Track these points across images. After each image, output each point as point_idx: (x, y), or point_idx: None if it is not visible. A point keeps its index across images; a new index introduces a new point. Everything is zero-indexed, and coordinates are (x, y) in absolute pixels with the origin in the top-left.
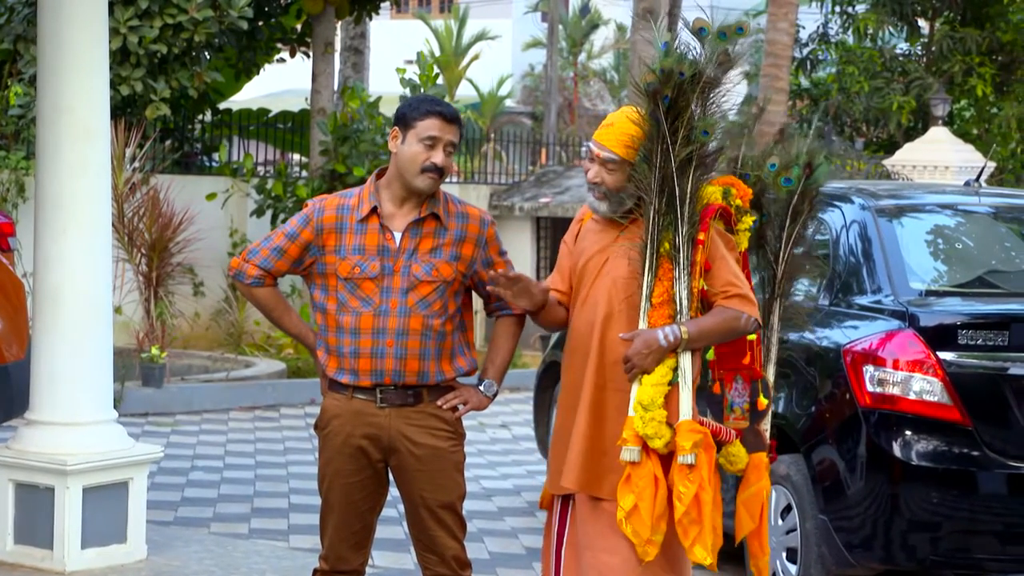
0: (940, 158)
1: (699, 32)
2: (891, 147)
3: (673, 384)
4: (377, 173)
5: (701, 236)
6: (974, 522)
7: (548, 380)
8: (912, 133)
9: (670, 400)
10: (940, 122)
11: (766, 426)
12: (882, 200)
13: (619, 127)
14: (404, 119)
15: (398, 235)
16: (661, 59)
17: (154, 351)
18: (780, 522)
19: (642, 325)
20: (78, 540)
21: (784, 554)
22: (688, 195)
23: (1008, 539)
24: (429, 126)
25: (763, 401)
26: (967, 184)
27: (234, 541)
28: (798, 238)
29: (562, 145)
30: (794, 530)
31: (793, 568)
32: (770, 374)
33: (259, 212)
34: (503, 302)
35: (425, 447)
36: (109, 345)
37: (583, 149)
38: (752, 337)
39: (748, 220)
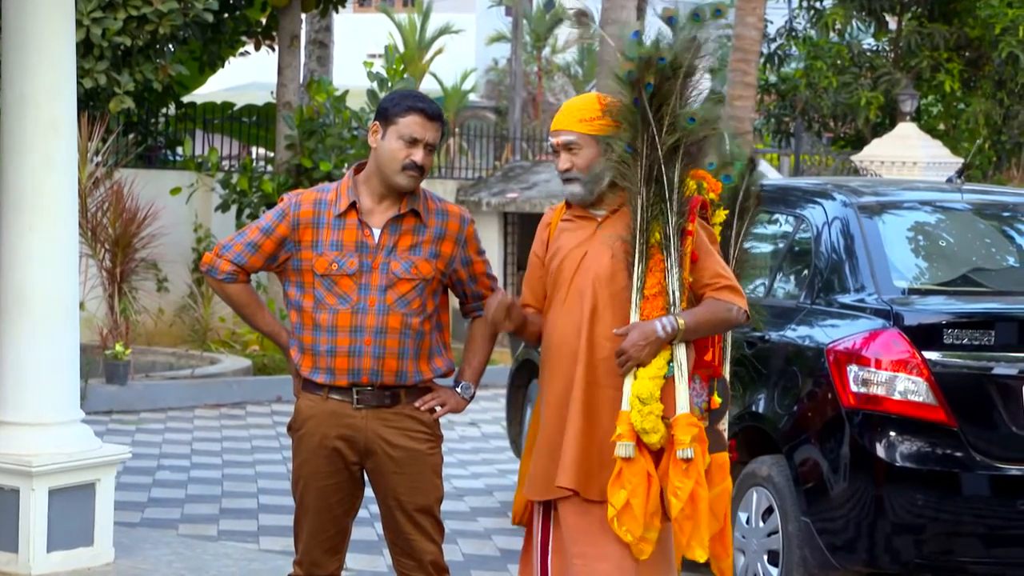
0: (908, 154)
1: (668, 20)
2: (859, 143)
3: (668, 377)
4: (355, 168)
5: (690, 227)
6: (959, 524)
7: (521, 378)
8: (880, 129)
9: (665, 394)
10: (908, 118)
11: (724, 425)
12: (864, 197)
13: (567, 108)
14: (385, 114)
15: (377, 231)
16: (635, 47)
17: (118, 348)
18: (761, 524)
19: (634, 318)
20: (44, 543)
21: (766, 557)
22: (676, 185)
23: (993, 541)
24: (410, 123)
25: (716, 400)
26: (949, 181)
27: (203, 543)
28: (746, 235)
29: (527, 140)
30: (776, 532)
31: (775, 571)
32: (726, 373)
33: (224, 207)
34: (480, 303)
35: (402, 449)
36: (76, 344)
37: (547, 144)
38: None
39: (721, 214)
